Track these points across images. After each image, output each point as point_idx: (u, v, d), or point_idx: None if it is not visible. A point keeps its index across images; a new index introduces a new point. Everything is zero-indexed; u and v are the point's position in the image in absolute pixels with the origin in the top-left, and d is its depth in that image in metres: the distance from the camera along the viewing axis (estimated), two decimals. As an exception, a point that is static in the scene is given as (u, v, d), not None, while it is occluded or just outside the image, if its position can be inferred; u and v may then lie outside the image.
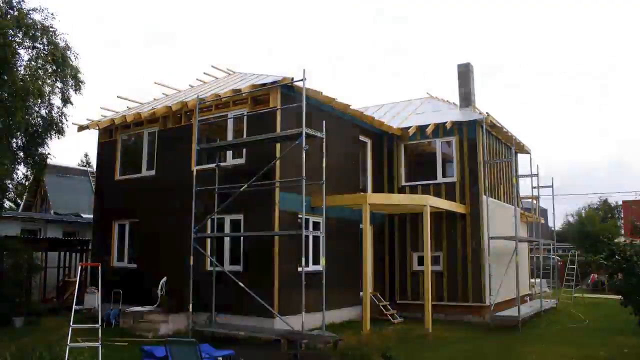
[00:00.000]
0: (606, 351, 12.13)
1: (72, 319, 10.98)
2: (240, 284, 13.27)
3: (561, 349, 12.38)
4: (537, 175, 19.54)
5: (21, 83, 14.21)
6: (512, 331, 15.11)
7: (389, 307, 17.62)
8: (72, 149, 70.68)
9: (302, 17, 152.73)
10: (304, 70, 12.74)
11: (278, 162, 14.16)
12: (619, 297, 13.73)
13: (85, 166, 40.06)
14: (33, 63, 15.19)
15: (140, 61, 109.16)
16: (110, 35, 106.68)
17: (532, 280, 25.70)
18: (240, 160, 15.15)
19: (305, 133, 12.58)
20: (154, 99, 20.19)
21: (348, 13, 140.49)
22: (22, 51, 15.37)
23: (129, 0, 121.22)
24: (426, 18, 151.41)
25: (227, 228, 15.16)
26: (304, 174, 12.51)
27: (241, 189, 13.52)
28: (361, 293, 15.69)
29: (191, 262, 13.86)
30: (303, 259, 12.34)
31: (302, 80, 12.88)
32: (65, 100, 16.31)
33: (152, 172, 17.34)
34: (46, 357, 9.40)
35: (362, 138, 18.51)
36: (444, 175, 18.75)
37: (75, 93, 16.32)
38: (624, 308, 13.48)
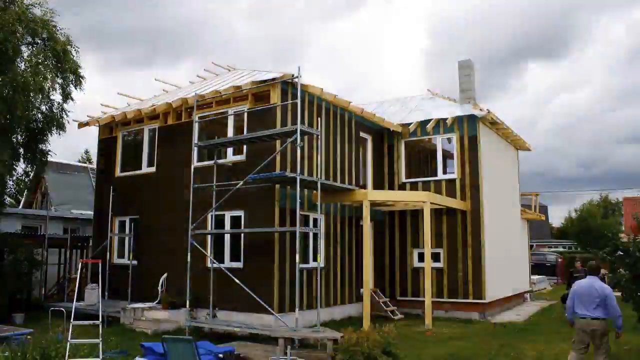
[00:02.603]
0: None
1: (72, 315, 11.01)
2: (238, 281, 13.29)
3: (561, 346, 12.38)
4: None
5: (22, 78, 14.19)
6: (513, 328, 15.11)
7: (389, 303, 17.65)
8: (72, 145, 70.79)
9: (302, 16, 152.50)
10: (299, 67, 12.90)
11: (278, 158, 14.16)
12: (620, 293, 13.73)
13: (85, 163, 40.06)
14: (33, 58, 15.15)
15: (140, 60, 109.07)
16: (111, 35, 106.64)
17: (532, 277, 25.75)
18: (241, 157, 15.15)
19: (301, 130, 12.61)
20: (154, 96, 20.19)
21: (349, 12, 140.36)
22: (22, 47, 15.35)
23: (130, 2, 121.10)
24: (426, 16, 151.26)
25: (227, 224, 15.16)
26: (298, 171, 12.55)
27: (237, 186, 13.53)
28: (361, 289, 15.72)
29: (188, 259, 13.88)
30: (297, 256, 12.36)
31: (297, 77, 12.92)
32: (66, 96, 16.29)
33: (153, 169, 17.35)
34: (47, 353, 9.39)
35: (362, 134, 18.51)
36: (444, 172, 18.74)
37: (76, 89, 16.31)
38: (624, 304, 13.48)
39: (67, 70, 15.73)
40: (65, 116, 16.57)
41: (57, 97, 16.24)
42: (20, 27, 14.75)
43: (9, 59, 14.50)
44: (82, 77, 16.26)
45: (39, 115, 16.12)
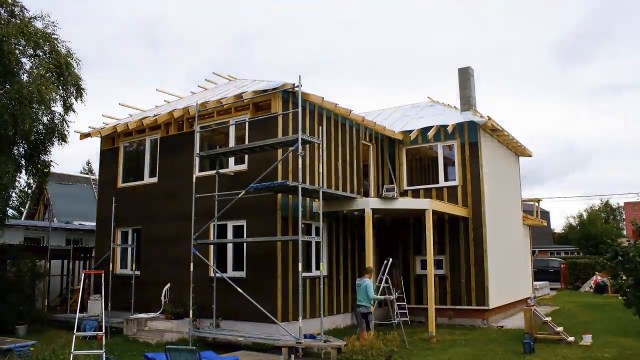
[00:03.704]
0: (610, 353, 12.12)
1: (75, 327, 11.03)
2: (241, 290, 13.29)
3: (565, 351, 12.38)
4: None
5: (26, 91, 14.26)
6: (516, 334, 15.09)
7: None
8: (74, 156, 70.88)
9: (301, 20, 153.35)
10: (299, 76, 12.89)
11: (280, 167, 14.20)
12: (623, 297, 13.73)
13: (87, 174, 40.14)
14: (36, 71, 15.24)
15: (142, 69, 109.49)
16: (111, 43, 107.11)
17: (535, 282, 25.71)
18: (243, 166, 15.20)
19: (302, 139, 12.65)
20: (156, 106, 20.27)
21: (350, 15, 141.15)
22: (24, 59, 15.44)
23: (130, 9, 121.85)
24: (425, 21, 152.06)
25: (229, 234, 15.18)
26: (300, 179, 12.58)
27: (239, 196, 13.56)
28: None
29: (191, 269, 13.90)
30: (300, 265, 12.36)
31: (298, 86, 12.98)
32: (67, 108, 16.37)
33: (155, 179, 17.39)
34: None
35: (364, 142, 18.56)
36: (445, 179, 18.75)
37: (77, 101, 16.40)
38: (626, 309, 13.48)
39: (69, 82, 15.82)
40: (66, 127, 16.65)
41: (58, 108, 16.32)
42: (22, 40, 14.83)
43: (11, 71, 14.58)
44: (83, 89, 16.36)
45: (41, 127, 16.18)
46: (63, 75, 15.58)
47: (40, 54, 15.55)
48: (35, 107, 14.89)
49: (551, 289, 30.88)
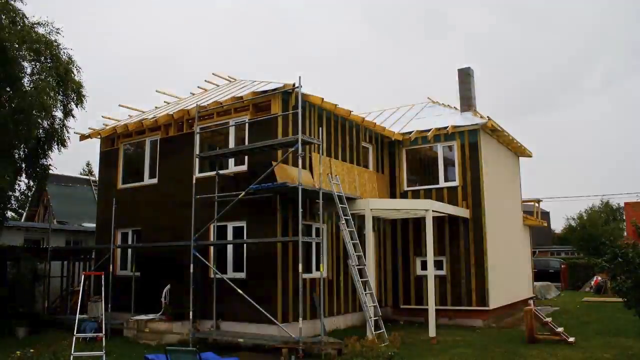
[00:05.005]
0: (610, 354, 12.11)
1: (75, 328, 11.02)
2: (241, 292, 13.28)
3: (565, 352, 12.37)
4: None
5: (30, 98, 14.26)
6: (517, 334, 15.09)
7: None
8: (74, 158, 70.70)
9: (300, 21, 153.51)
10: (299, 77, 12.94)
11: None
12: (623, 299, 13.71)
13: (87, 175, 40.14)
14: (37, 77, 15.24)
15: (141, 69, 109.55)
16: (111, 43, 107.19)
17: (536, 283, 25.70)
18: (242, 167, 15.20)
19: (302, 140, 12.64)
20: (156, 107, 20.27)
21: (347, 15, 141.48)
22: (25, 64, 15.43)
23: (130, 10, 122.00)
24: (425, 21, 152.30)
25: (229, 235, 15.18)
26: (299, 181, 12.57)
27: (239, 197, 13.55)
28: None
29: (191, 270, 13.89)
30: (300, 266, 12.36)
31: (298, 87, 12.98)
32: (67, 113, 16.37)
33: (155, 180, 17.39)
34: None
35: (364, 144, 18.55)
36: (445, 180, 18.75)
37: (77, 107, 16.40)
38: (627, 310, 13.45)
39: (70, 88, 15.84)
40: (66, 132, 16.65)
41: (58, 113, 16.32)
42: (23, 47, 14.82)
43: (13, 78, 14.58)
44: (84, 96, 16.38)
45: (40, 131, 16.18)
46: (64, 81, 15.58)
47: (42, 59, 15.54)
48: (35, 113, 14.88)
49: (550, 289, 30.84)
